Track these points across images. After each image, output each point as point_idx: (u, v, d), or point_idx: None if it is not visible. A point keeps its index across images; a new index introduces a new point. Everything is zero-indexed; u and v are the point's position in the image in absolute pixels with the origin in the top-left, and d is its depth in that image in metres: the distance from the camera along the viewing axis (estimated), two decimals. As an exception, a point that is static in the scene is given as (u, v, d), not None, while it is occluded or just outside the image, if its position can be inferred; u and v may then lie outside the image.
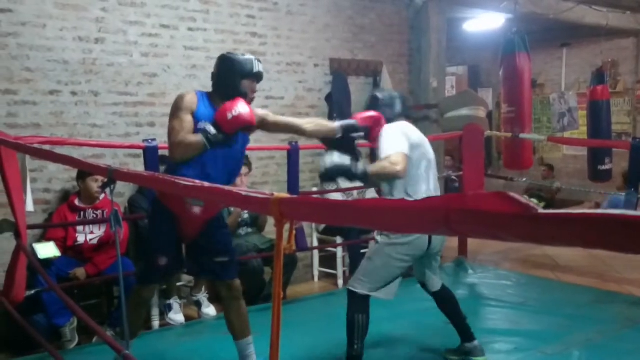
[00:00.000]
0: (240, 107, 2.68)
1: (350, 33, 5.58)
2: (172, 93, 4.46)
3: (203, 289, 4.29)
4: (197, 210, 2.79)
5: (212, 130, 2.67)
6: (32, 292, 3.47)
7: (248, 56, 2.87)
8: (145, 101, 4.40)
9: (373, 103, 3.27)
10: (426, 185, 3.06)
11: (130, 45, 4.32)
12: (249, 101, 2.80)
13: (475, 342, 3.34)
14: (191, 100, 2.79)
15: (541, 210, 0.92)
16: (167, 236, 2.84)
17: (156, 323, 4.03)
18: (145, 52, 4.38)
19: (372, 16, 5.74)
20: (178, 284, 4.29)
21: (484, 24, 7.31)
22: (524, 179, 7.25)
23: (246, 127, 2.73)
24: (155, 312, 4.03)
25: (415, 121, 6.08)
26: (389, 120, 3.11)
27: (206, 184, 1.81)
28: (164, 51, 4.47)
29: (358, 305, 3.01)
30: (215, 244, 2.91)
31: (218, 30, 4.74)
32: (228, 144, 2.75)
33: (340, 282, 5.08)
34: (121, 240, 3.91)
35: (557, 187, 8.18)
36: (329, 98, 5.40)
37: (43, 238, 3.97)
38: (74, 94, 4.09)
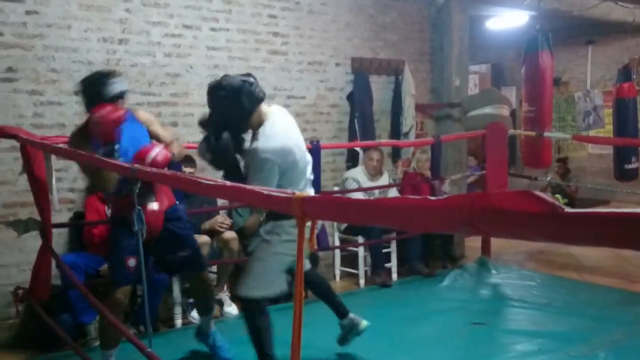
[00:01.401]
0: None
1: (371, 32, 5.56)
2: (195, 93, 4.50)
3: (225, 287, 4.31)
4: (155, 206, 2.93)
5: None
6: (58, 290, 3.53)
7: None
8: (168, 101, 4.43)
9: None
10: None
11: (153, 46, 4.36)
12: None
13: (351, 315, 3.36)
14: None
15: (567, 209, 0.90)
16: (131, 239, 2.87)
17: (178, 321, 4.06)
18: (168, 52, 4.42)
19: (394, 14, 5.71)
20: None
21: (507, 21, 7.22)
22: (548, 178, 7.16)
23: (111, 124, 2.75)
24: (177, 310, 4.06)
25: (438, 120, 6.06)
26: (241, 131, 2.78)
27: (228, 183, 1.82)
28: (187, 51, 4.50)
29: (256, 311, 2.86)
30: (175, 240, 3.05)
31: (240, 30, 4.76)
32: None
33: (362, 281, 5.06)
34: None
35: (571, 182, 8.05)
36: (350, 97, 5.39)
37: (70, 236, 4.03)
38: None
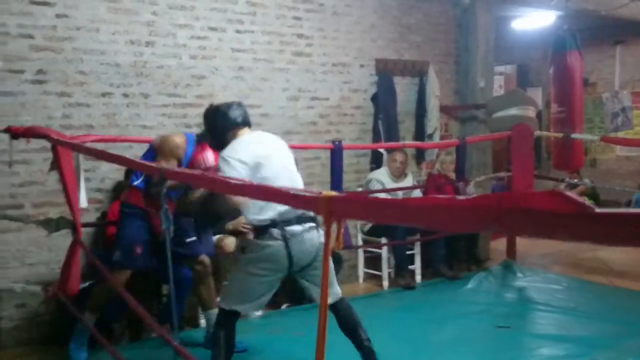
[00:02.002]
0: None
1: (396, 33, 5.54)
2: (220, 94, 4.54)
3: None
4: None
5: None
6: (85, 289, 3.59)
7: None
8: (193, 102, 4.48)
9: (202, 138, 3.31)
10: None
11: (179, 48, 4.40)
12: None
13: None
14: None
15: (597, 210, 0.90)
16: (141, 229, 3.36)
17: (203, 321, 4.09)
18: (193, 54, 4.46)
19: (419, 15, 5.69)
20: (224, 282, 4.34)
21: (533, 21, 7.14)
22: (575, 180, 7.05)
23: None
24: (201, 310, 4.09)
25: (462, 122, 6.02)
26: (222, 144, 2.95)
27: (255, 183, 1.84)
28: (212, 53, 4.54)
29: (221, 320, 2.89)
30: (182, 229, 3.39)
31: (265, 32, 4.78)
32: None
33: (386, 283, 5.05)
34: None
35: (586, 184, 7.90)
36: (374, 99, 5.38)
37: (95, 236, 4.10)
38: (125, 95, 4.20)
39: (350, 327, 2.97)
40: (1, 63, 3.61)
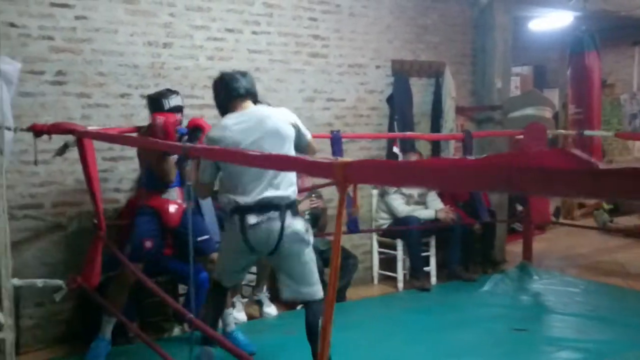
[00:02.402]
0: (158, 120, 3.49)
1: (412, 34, 5.53)
2: (236, 95, 4.55)
3: (264, 288, 4.35)
4: (172, 209, 3.57)
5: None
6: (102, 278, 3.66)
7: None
8: (210, 104, 4.44)
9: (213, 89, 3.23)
10: (236, 182, 2.87)
11: (196, 49, 4.43)
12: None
13: None
14: None
15: (602, 166, 0.94)
16: (150, 225, 3.51)
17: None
18: (210, 55, 4.49)
19: (435, 16, 5.67)
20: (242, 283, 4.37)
21: (550, 22, 7.09)
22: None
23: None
24: (218, 310, 4.11)
25: (479, 123, 5.98)
26: (224, 108, 3.07)
27: (274, 154, 1.96)
28: (229, 54, 4.56)
29: (210, 288, 3.22)
30: (194, 228, 3.28)
31: (281, 33, 4.80)
32: None
33: (400, 285, 5.04)
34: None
35: None
36: (390, 100, 5.37)
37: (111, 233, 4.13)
38: (143, 96, 4.21)
39: (312, 333, 2.85)
40: (22, 64, 3.64)
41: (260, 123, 2.93)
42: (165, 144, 2.95)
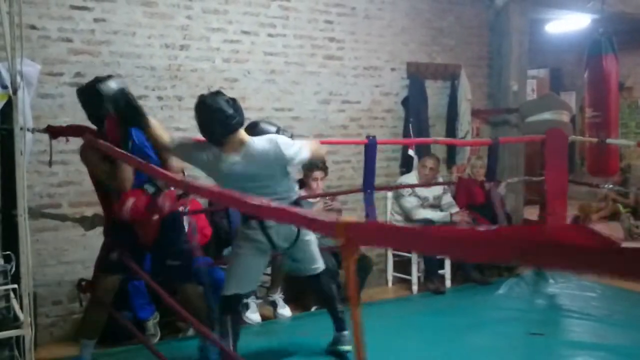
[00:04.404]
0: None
1: (428, 36, 5.52)
2: (252, 97, 4.59)
3: (279, 290, 4.36)
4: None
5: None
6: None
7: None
8: (226, 105, 4.52)
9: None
10: None
11: (212, 51, 4.46)
12: None
13: (344, 332, 3.43)
14: None
15: (624, 244, 0.88)
16: (122, 237, 3.11)
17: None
18: (226, 57, 4.52)
19: (451, 18, 5.65)
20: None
21: (567, 24, 7.04)
22: (610, 186, 6.90)
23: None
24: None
25: (494, 126, 5.96)
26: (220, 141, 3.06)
27: (273, 204, 1.80)
28: (245, 57, 4.59)
29: (225, 306, 3.18)
30: (167, 248, 3.17)
31: (297, 36, 4.81)
32: None
33: (415, 287, 5.02)
34: (205, 242, 4.10)
35: (636, 193, 7.70)
36: (405, 102, 5.36)
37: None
38: (159, 98, 4.27)
39: (324, 298, 3.46)
40: (41, 66, 3.70)
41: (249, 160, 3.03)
42: (163, 174, 2.62)
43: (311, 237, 3.32)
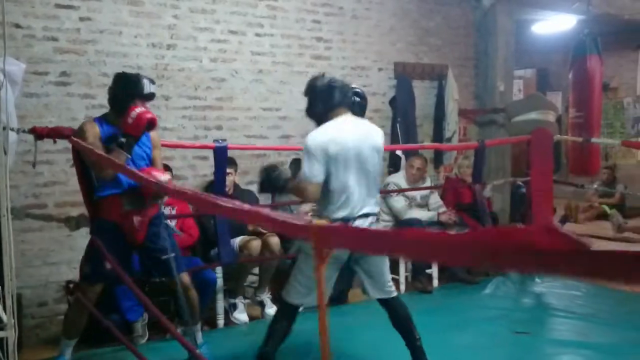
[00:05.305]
0: (138, 110, 2.95)
1: (415, 36, 5.54)
2: (240, 97, 4.58)
3: (267, 290, 4.36)
4: (136, 221, 3.07)
5: (121, 138, 2.96)
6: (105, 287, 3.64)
7: (142, 77, 3.11)
8: (213, 105, 4.52)
9: (310, 91, 3.06)
10: (347, 194, 2.89)
11: (199, 51, 4.45)
12: None
13: None
14: (92, 128, 3.05)
15: (593, 248, 0.89)
16: (111, 242, 3.01)
17: (221, 322, 4.11)
18: (214, 57, 4.51)
19: (438, 19, 5.68)
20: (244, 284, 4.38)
21: (553, 25, 7.09)
22: (595, 186, 6.98)
23: (150, 124, 2.98)
24: (220, 310, 4.12)
25: (481, 126, 6.00)
26: (322, 115, 2.97)
27: (246, 206, 1.79)
28: (232, 56, 4.58)
29: (285, 312, 3.03)
30: (159, 244, 3.15)
31: (284, 36, 4.81)
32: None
33: (402, 287, 5.03)
34: (192, 243, 4.08)
35: (621, 192, 7.77)
36: (393, 102, 5.38)
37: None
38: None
39: (402, 325, 3.09)
40: (26, 65, 3.67)
41: (364, 134, 2.99)
42: (145, 178, 2.68)
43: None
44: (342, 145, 2.86)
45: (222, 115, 4.55)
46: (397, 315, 3.10)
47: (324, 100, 2.96)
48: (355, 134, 2.93)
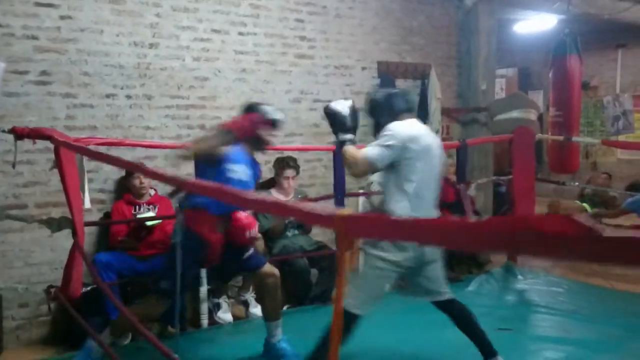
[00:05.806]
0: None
1: (398, 36, 5.56)
2: (223, 96, 4.56)
3: (250, 289, 4.35)
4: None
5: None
6: (89, 288, 3.60)
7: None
8: (196, 104, 4.50)
9: (371, 106, 3.13)
10: (417, 191, 2.88)
11: (182, 50, 4.42)
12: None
13: (499, 358, 3.11)
14: None
15: (606, 233, 0.95)
16: (194, 255, 2.99)
17: (205, 322, 4.10)
18: (196, 56, 4.48)
19: (421, 18, 5.71)
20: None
21: (535, 25, 7.16)
22: (576, 183, 7.05)
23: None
24: (204, 310, 4.10)
25: (464, 125, 6.03)
26: (390, 120, 2.97)
27: (269, 198, 1.81)
28: (215, 55, 4.56)
29: (348, 323, 2.78)
30: (238, 245, 3.17)
31: (267, 35, 4.80)
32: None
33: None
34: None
35: (612, 195, 7.83)
36: (376, 101, 5.39)
37: (99, 235, 4.12)
38: (128, 97, 4.22)
39: (467, 323, 3.14)
40: (5, 64, 3.62)
41: (432, 136, 3.05)
42: (151, 171, 2.76)
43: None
44: (423, 144, 2.88)
45: (205, 115, 4.53)
46: (460, 314, 3.15)
47: (389, 110, 2.99)
48: (429, 135, 2.99)
